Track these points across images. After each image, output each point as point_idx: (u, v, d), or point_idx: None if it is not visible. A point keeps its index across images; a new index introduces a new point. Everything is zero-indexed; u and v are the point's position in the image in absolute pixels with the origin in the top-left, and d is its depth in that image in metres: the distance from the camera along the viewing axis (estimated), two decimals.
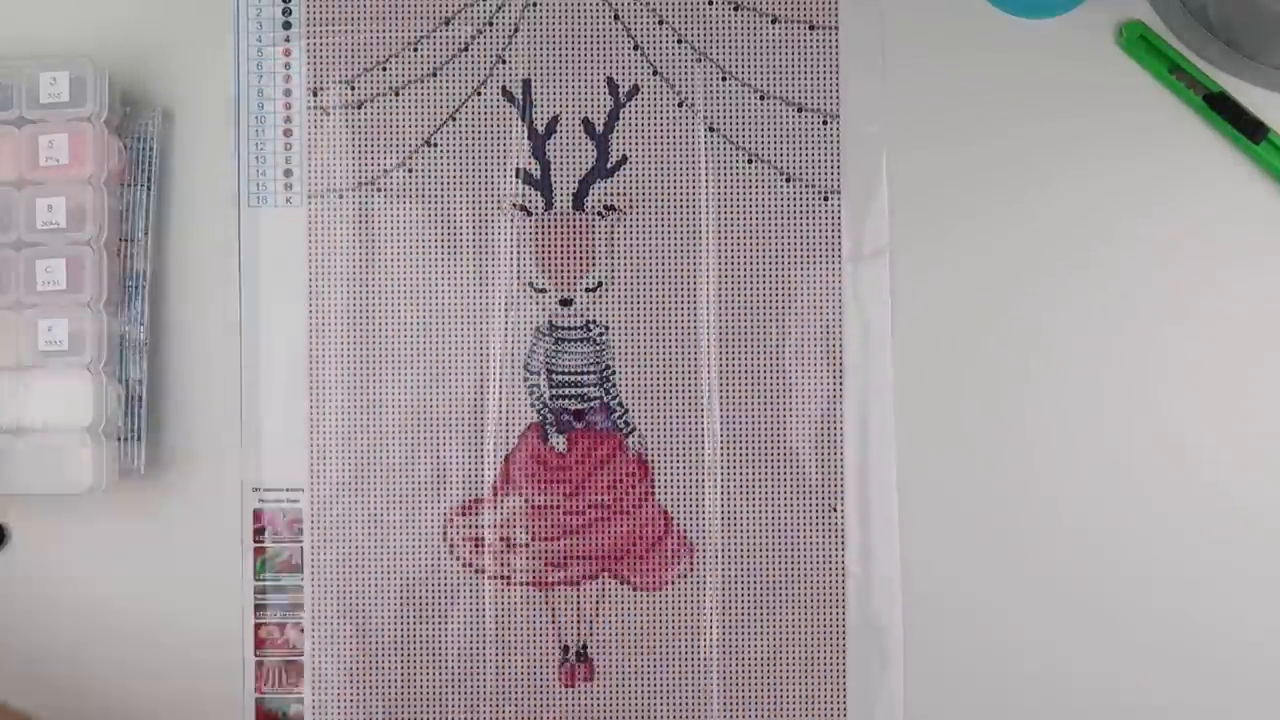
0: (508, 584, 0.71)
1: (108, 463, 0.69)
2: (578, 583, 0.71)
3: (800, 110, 0.72)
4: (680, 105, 0.72)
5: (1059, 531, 0.71)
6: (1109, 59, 0.72)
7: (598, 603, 0.71)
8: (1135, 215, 0.72)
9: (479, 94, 0.72)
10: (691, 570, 0.71)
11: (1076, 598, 0.71)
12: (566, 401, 0.72)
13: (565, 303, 0.72)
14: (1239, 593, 0.71)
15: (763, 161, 0.72)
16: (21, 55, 0.70)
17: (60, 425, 0.68)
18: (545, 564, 0.71)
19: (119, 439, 0.70)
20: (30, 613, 0.71)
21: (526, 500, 0.71)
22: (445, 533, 0.71)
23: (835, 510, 0.71)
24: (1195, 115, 0.72)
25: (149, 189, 0.71)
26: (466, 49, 0.72)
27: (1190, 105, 0.72)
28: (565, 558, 0.71)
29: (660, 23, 0.72)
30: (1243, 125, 0.71)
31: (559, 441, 0.72)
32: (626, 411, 0.72)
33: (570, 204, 0.72)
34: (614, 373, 0.72)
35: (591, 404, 0.72)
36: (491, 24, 0.72)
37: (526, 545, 0.71)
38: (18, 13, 0.73)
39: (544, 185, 0.72)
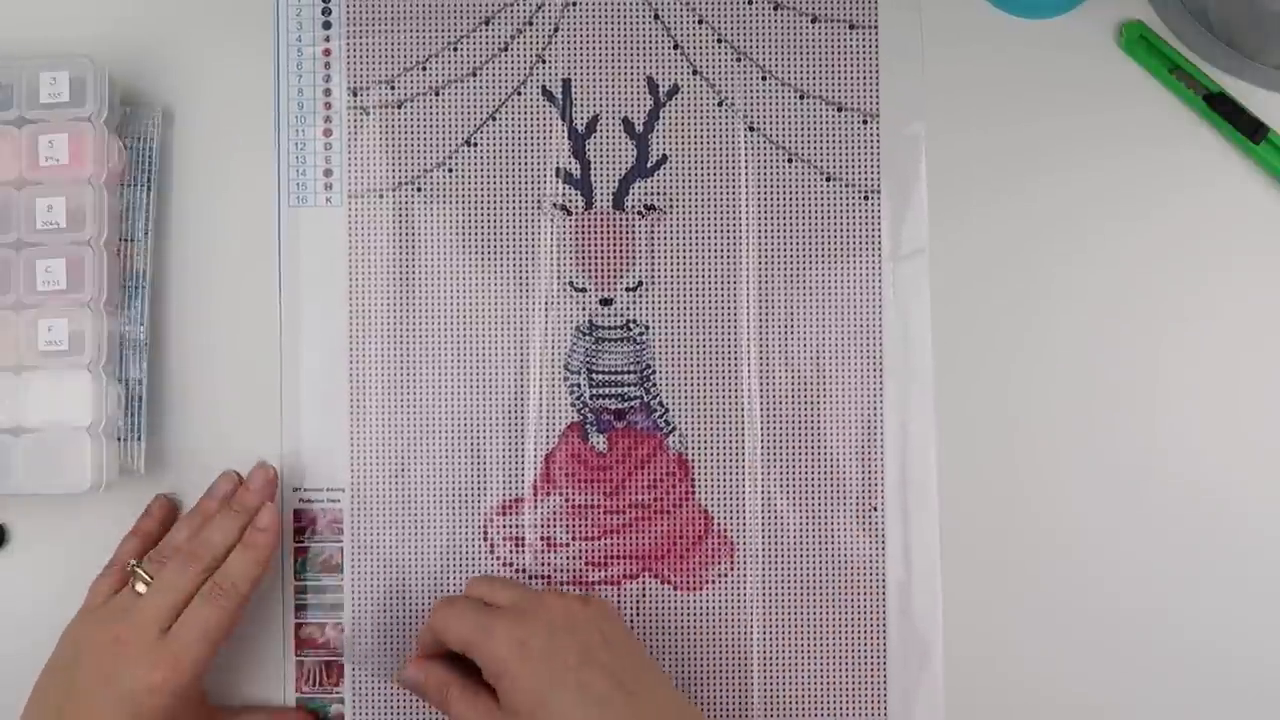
0: (548, 583, 0.71)
1: (108, 463, 0.69)
2: (618, 582, 0.71)
3: (840, 109, 0.72)
4: (720, 105, 0.72)
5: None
6: (1109, 59, 0.72)
7: (638, 602, 0.71)
8: (1134, 215, 0.72)
9: (519, 94, 0.72)
10: (732, 570, 0.71)
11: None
12: (607, 401, 0.72)
13: (605, 302, 0.72)
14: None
15: (803, 161, 0.72)
16: (21, 55, 0.70)
17: (60, 425, 0.68)
18: (586, 563, 0.71)
19: (119, 439, 0.70)
20: (30, 613, 0.70)
21: (567, 500, 0.71)
22: (485, 532, 0.71)
23: (876, 510, 0.71)
24: (1195, 115, 0.72)
25: (149, 189, 0.71)
26: (506, 49, 0.72)
27: (1190, 105, 0.72)
28: (606, 557, 0.71)
29: (700, 22, 0.72)
30: (1243, 125, 0.71)
31: (599, 441, 0.72)
32: (667, 411, 0.71)
33: (610, 203, 0.72)
34: (654, 372, 0.72)
35: (632, 403, 0.72)
36: (531, 24, 0.72)
37: (567, 545, 0.71)
38: (18, 13, 0.73)
39: (584, 185, 0.72)
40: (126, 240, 0.71)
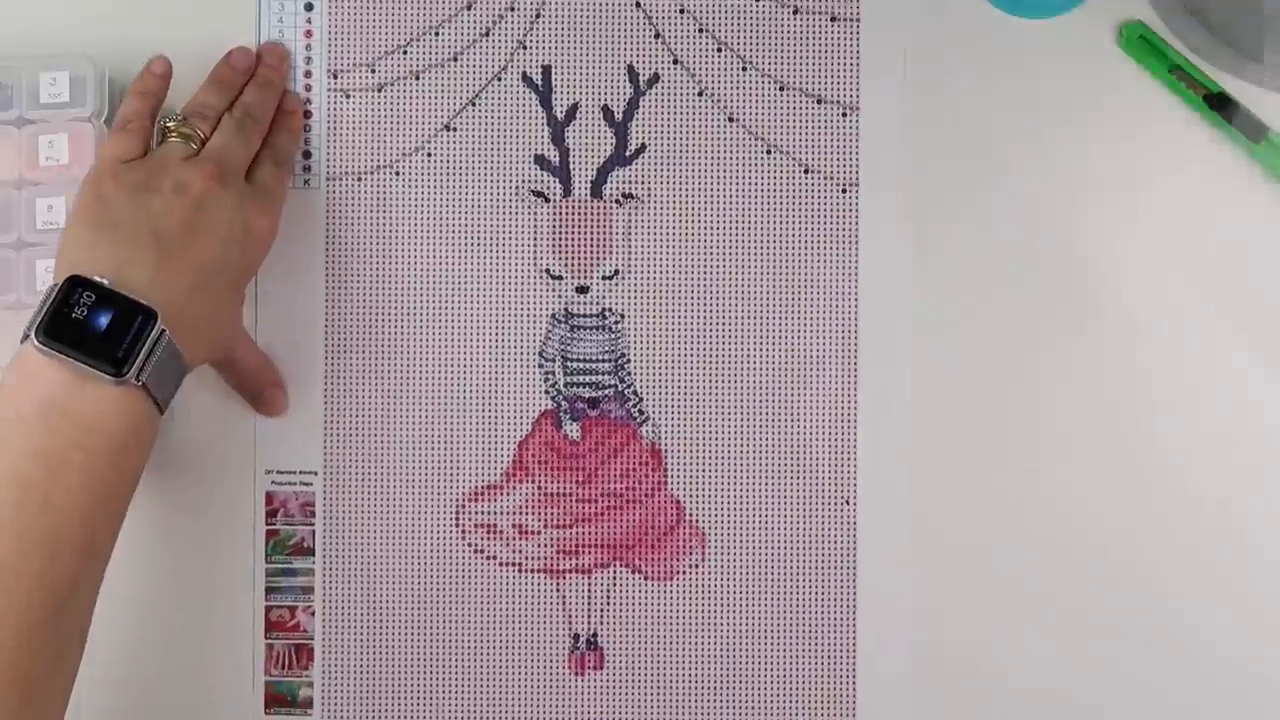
0: (519, 570, 0.71)
1: None
2: (589, 571, 0.71)
3: (820, 102, 0.72)
4: (700, 95, 0.72)
5: (1071, 529, 0.71)
6: (1109, 59, 0.72)
7: (609, 591, 0.71)
8: (1133, 215, 0.72)
9: (499, 79, 0.72)
10: (703, 560, 0.71)
11: (1090, 594, 0.71)
12: (581, 389, 0.71)
13: (581, 290, 0.72)
14: (1246, 598, 0.71)
15: (781, 152, 0.72)
16: (21, 55, 0.70)
17: None
18: (557, 551, 0.71)
19: None
20: None
21: (539, 487, 0.71)
22: (458, 518, 0.71)
23: (848, 503, 0.71)
24: (1195, 115, 0.72)
25: None
26: (488, 34, 0.72)
27: (1190, 105, 0.71)
28: (577, 546, 0.71)
29: (681, 11, 0.72)
30: (1243, 125, 0.71)
31: (573, 429, 0.72)
32: (641, 400, 0.71)
33: (588, 191, 0.72)
34: (629, 361, 0.72)
35: (606, 392, 0.71)
36: (513, 9, 0.72)
37: (538, 532, 0.71)
38: (18, 13, 0.73)
39: (562, 172, 0.72)
40: None
